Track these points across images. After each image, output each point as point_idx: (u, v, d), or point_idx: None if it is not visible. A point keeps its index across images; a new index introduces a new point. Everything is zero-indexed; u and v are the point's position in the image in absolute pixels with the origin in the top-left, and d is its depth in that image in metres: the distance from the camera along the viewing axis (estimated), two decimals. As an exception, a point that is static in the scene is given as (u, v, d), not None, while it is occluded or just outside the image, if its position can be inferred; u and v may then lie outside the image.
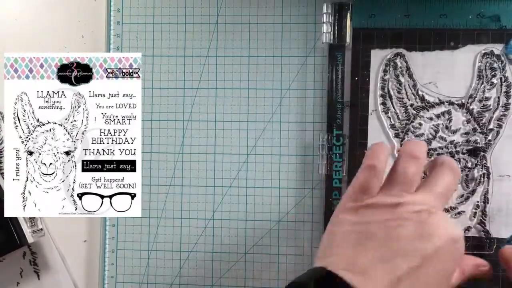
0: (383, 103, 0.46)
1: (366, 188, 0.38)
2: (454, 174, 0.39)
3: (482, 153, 0.45)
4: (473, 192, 0.45)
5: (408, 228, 0.34)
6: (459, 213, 0.45)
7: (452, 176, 0.38)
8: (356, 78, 0.47)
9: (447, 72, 0.45)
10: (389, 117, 0.46)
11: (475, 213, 0.45)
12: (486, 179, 0.45)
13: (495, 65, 0.44)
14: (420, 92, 0.46)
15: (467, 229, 0.45)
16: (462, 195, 0.45)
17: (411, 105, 0.46)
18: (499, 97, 0.44)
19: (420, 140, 0.44)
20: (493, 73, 0.44)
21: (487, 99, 0.45)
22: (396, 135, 0.46)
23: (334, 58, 0.47)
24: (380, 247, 0.34)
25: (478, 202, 0.45)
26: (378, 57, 0.47)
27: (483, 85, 0.45)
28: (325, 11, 0.47)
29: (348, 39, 0.47)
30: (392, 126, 0.46)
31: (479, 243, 0.45)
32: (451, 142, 0.45)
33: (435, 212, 0.35)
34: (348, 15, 0.47)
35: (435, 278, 0.34)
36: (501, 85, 0.44)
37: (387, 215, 0.36)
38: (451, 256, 0.35)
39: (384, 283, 0.32)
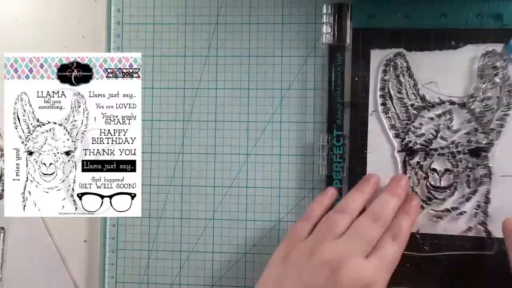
0: (383, 103, 0.46)
1: (298, 234, 0.41)
2: (374, 218, 0.40)
3: (483, 153, 0.44)
4: (474, 192, 0.45)
5: (321, 278, 0.36)
6: (460, 213, 0.45)
7: (371, 220, 0.40)
8: (356, 79, 0.47)
9: (448, 72, 0.45)
10: (390, 117, 0.46)
11: (477, 213, 0.45)
12: (487, 179, 0.44)
13: (497, 64, 0.44)
14: (420, 92, 0.46)
15: (469, 229, 0.45)
16: (464, 195, 0.45)
17: (412, 105, 0.46)
18: (500, 97, 0.44)
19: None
20: (494, 72, 0.44)
21: (489, 98, 0.44)
22: (397, 135, 0.46)
23: (334, 58, 0.47)
24: None
25: (479, 202, 0.45)
26: (378, 57, 0.46)
27: (484, 85, 0.44)
28: (324, 12, 0.46)
29: (348, 39, 0.47)
30: (393, 126, 0.46)
31: (481, 244, 0.45)
32: (452, 142, 0.45)
33: (347, 260, 0.37)
34: (348, 15, 0.46)
35: None
36: (503, 84, 0.44)
37: (304, 264, 0.37)
38: None
39: None
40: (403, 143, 0.46)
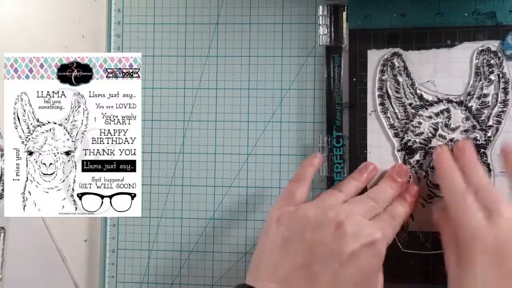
0: (382, 103, 0.47)
1: (292, 195, 0.40)
2: (372, 199, 0.41)
3: (482, 150, 0.45)
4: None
5: (325, 234, 0.36)
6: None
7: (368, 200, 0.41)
8: (354, 79, 0.47)
9: (445, 70, 0.46)
10: (388, 117, 0.46)
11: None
12: (486, 176, 0.45)
13: (492, 61, 0.45)
14: (418, 91, 0.46)
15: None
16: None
17: (410, 104, 0.46)
18: (497, 94, 0.45)
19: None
20: (490, 69, 0.45)
21: (485, 96, 0.45)
22: (396, 135, 0.46)
23: (332, 59, 0.47)
24: (300, 253, 0.36)
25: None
26: (375, 57, 0.47)
27: (481, 82, 0.45)
28: (320, 13, 0.47)
29: (345, 40, 0.47)
30: (392, 126, 0.46)
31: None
32: (451, 140, 0.45)
33: (352, 217, 0.37)
34: (344, 16, 0.47)
35: (355, 280, 0.35)
36: (499, 81, 0.45)
37: (306, 221, 0.37)
38: (369, 258, 0.36)
39: None
40: (402, 142, 0.46)
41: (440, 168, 0.42)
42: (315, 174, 0.44)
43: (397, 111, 0.46)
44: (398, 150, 0.46)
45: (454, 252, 0.38)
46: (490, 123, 0.45)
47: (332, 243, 0.36)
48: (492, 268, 0.35)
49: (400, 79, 0.46)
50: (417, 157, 0.46)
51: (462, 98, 0.45)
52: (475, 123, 0.45)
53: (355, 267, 0.35)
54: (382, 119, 0.47)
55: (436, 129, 0.46)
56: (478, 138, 0.45)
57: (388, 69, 0.47)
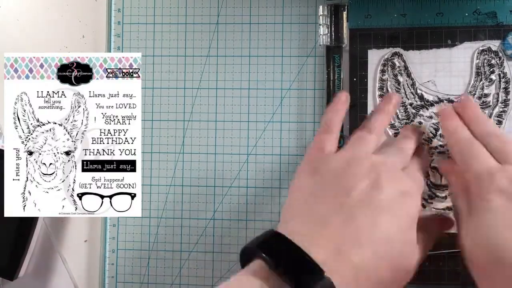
0: (382, 103, 0.47)
1: (322, 147, 0.39)
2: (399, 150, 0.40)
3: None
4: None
5: (361, 182, 0.35)
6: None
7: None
8: (355, 79, 0.47)
9: (445, 70, 0.46)
10: (389, 117, 0.46)
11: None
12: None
13: (493, 61, 0.45)
14: (418, 91, 0.46)
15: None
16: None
17: (411, 104, 0.46)
18: (498, 93, 0.45)
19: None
20: (491, 69, 0.45)
21: (486, 95, 0.45)
22: (396, 135, 0.46)
23: (332, 59, 0.47)
24: (337, 200, 0.34)
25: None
26: (375, 57, 0.47)
27: (481, 82, 0.45)
28: (321, 13, 0.47)
29: (345, 40, 0.47)
30: (392, 126, 0.46)
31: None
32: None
33: (389, 167, 0.36)
34: (344, 16, 0.47)
35: (393, 228, 0.34)
36: (500, 81, 0.45)
37: (341, 171, 0.36)
38: (406, 208, 0.35)
39: (340, 234, 0.32)
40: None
41: (445, 123, 0.41)
42: (343, 119, 0.42)
43: (397, 111, 0.46)
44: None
45: (465, 200, 0.37)
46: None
47: (370, 192, 0.35)
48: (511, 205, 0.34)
49: (400, 79, 0.46)
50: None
51: (462, 98, 0.45)
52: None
53: (393, 215, 0.34)
54: (382, 119, 0.46)
55: (436, 129, 0.45)
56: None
57: (389, 69, 0.47)
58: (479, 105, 0.45)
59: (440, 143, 0.45)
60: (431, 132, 0.46)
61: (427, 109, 0.46)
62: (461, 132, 0.39)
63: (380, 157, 0.37)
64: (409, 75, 0.46)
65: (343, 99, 0.42)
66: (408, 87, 0.46)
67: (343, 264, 0.31)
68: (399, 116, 0.46)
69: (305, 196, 0.36)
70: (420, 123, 0.46)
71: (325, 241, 0.32)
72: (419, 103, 0.46)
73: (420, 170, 0.40)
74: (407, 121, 0.46)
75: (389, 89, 0.46)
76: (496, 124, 0.45)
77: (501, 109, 0.45)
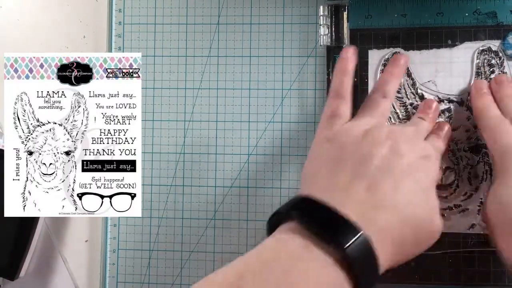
0: (383, 103, 0.47)
1: (337, 114, 0.40)
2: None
3: (484, 150, 0.45)
4: (476, 189, 0.45)
5: (381, 148, 0.36)
6: (463, 210, 0.45)
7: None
8: (355, 79, 0.47)
9: (446, 70, 0.46)
10: (390, 117, 0.46)
11: (479, 210, 0.45)
12: (489, 175, 0.45)
13: (493, 61, 0.45)
14: (419, 91, 0.46)
15: (472, 226, 0.45)
16: (466, 193, 0.45)
17: (411, 104, 0.46)
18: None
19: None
20: (491, 69, 0.45)
21: (486, 95, 0.45)
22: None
23: (333, 60, 0.47)
24: (359, 166, 0.35)
25: (482, 199, 0.45)
26: (376, 57, 0.47)
27: (482, 82, 0.45)
28: (321, 13, 0.47)
29: (346, 40, 0.47)
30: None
31: (484, 240, 0.45)
32: (453, 139, 0.45)
33: (406, 133, 0.38)
34: (345, 16, 0.47)
35: (414, 191, 0.35)
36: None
37: (360, 138, 0.37)
38: (426, 170, 0.37)
39: (364, 199, 0.33)
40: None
41: (475, 97, 0.43)
42: (352, 81, 0.42)
43: (398, 111, 0.46)
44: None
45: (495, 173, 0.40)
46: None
47: (389, 158, 0.35)
48: None
49: (401, 79, 0.46)
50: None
51: (463, 98, 0.45)
52: (476, 122, 0.45)
53: (413, 179, 0.35)
54: (383, 119, 0.46)
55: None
56: (480, 137, 0.45)
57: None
58: (480, 104, 0.45)
59: None
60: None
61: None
62: (492, 109, 0.41)
63: (397, 125, 0.40)
64: (409, 75, 0.46)
65: (349, 54, 0.42)
66: (409, 87, 0.46)
67: (369, 227, 0.31)
68: (400, 116, 0.46)
69: (325, 164, 0.37)
70: None
71: (350, 206, 0.33)
72: (420, 102, 0.46)
73: (441, 138, 0.42)
74: (407, 120, 0.46)
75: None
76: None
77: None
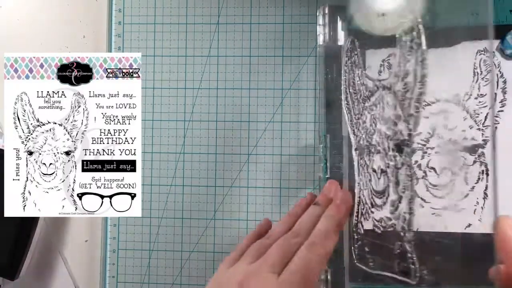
0: (381, 104, 0.47)
1: (236, 258, 0.39)
2: (295, 233, 0.39)
3: (480, 150, 0.45)
4: (472, 189, 0.45)
5: None
6: (459, 210, 0.45)
7: (290, 236, 0.39)
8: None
9: (442, 70, 0.46)
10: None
11: (475, 209, 0.45)
12: (485, 175, 0.45)
13: (489, 61, 0.45)
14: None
15: (468, 226, 0.45)
16: (462, 193, 0.45)
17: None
18: (495, 93, 0.45)
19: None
20: (488, 69, 0.45)
21: (483, 95, 0.45)
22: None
23: (330, 59, 0.47)
24: None
25: (478, 198, 0.45)
26: (374, 57, 0.47)
27: (478, 82, 0.46)
28: (319, 14, 0.47)
29: (343, 40, 0.47)
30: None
31: (481, 240, 0.45)
32: (449, 140, 0.46)
33: (255, 277, 0.36)
34: (343, 16, 0.47)
35: None
36: (498, 81, 0.45)
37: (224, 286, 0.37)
38: None
39: None
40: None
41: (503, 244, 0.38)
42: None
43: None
44: (396, 150, 0.46)
45: None
46: (488, 123, 0.45)
47: None
48: None
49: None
50: (415, 157, 0.46)
51: (460, 97, 0.46)
52: (472, 123, 0.45)
53: None
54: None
55: (434, 129, 0.46)
56: (476, 137, 0.45)
57: (385, 70, 0.47)
58: (477, 104, 0.45)
59: (437, 142, 0.46)
60: (428, 132, 0.46)
61: (424, 108, 0.46)
62: None
63: (252, 267, 0.37)
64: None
65: (262, 223, 0.42)
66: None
67: None
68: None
69: None
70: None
71: None
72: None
73: (309, 253, 0.38)
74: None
75: (388, 90, 0.47)
76: (494, 123, 0.45)
77: (498, 109, 0.45)
